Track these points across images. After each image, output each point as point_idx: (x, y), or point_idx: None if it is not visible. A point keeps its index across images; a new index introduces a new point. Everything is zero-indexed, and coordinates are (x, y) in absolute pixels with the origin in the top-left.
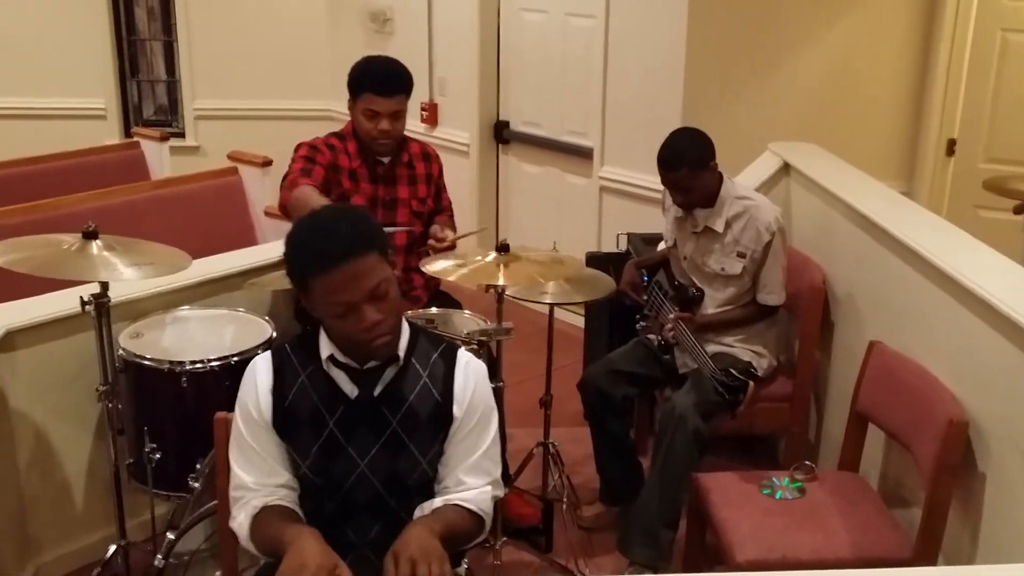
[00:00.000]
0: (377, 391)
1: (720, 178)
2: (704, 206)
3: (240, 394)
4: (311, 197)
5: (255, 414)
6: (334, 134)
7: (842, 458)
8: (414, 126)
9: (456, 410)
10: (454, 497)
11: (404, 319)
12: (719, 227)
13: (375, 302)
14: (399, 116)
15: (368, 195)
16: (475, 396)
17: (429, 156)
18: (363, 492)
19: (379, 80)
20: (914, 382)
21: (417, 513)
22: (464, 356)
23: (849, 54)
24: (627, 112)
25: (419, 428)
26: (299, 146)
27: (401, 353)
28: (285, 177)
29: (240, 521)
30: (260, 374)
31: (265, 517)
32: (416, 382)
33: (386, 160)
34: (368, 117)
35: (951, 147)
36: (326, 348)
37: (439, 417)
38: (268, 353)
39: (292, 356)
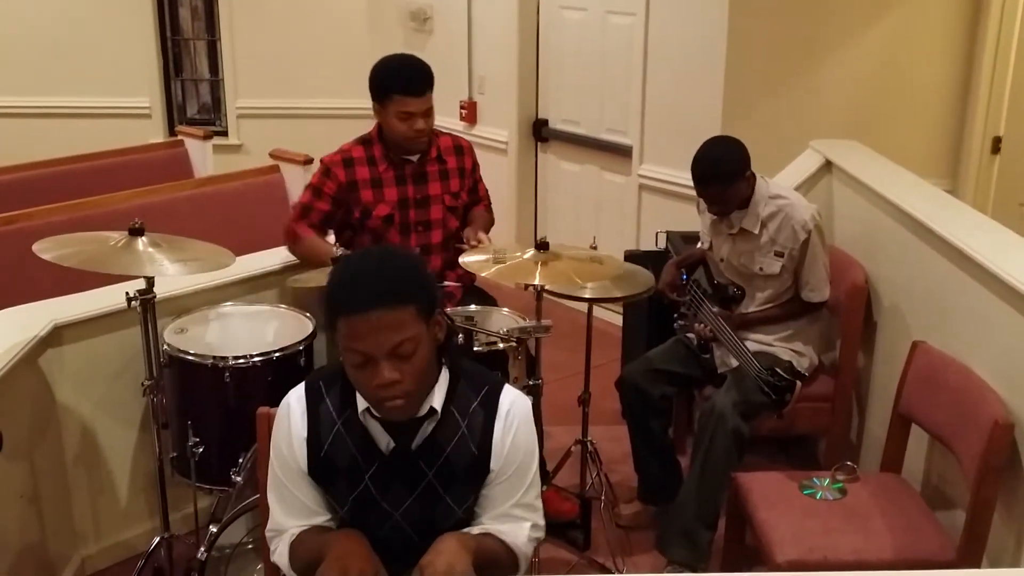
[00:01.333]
0: (415, 445)
1: (754, 180)
2: (738, 208)
3: (274, 435)
4: (318, 248)
5: (290, 460)
6: (360, 139)
7: (884, 459)
8: (453, 124)
9: (493, 463)
10: (491, 529)
11: (445, 367)
12: (754, 228)
13: (395, 360)
14: (431, 112)
15: (395, 199)
16: (513, 446)
17: (462, 149)
18: (396, 539)
19: (408, 80)
20: (958, 383)
21: None
22: (506, 401)
23: (892, 51)
24: (666, 110)
25: (456, 481)
26: (319, 168)
27: (439, 405)
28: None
29: (280, 551)
30: (295, 420)
31: (305, 536)
32: (454, 433)
33: (414, 158)
34: (402, 119)
35: (996, 145)
36: (363, 400)
37: (475, 470)
38: (302, 391)
39: (327, 398)
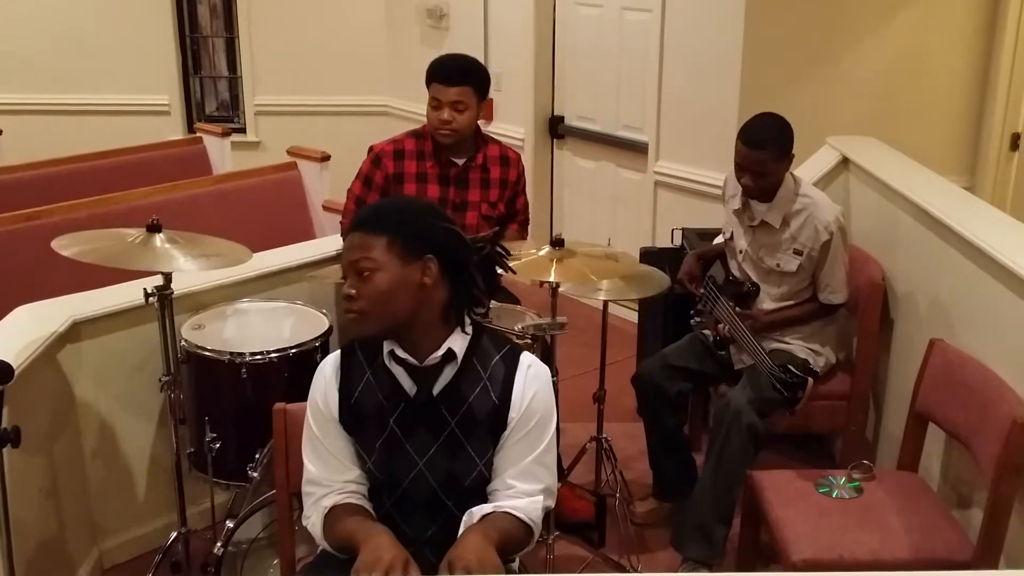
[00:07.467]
0: (436, 390)
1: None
2: (764, 199)
3: (311, 391)
4: None
5: (324, 411)
6: (413, 132)
7: (901, 458)
8: None
9: (512, 414)
10: (505, 504)
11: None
12: (775, 222)
13: (355, 277)
14: (461, 108)
15: (436, 198)
16: (533, 402)
17: (508, 160)
18: (421, 491)
19: (441, 69)
20: (976, 381)
21: (466, 519)
22: (527, 360)
23: (910, 46)
24: (683, 106)
25: (476, 430)
26: (366, 157)
27: (460, 352)
28: (349, 196)
29: (313, 521)
30: (328, 372)
31: (337, 515)
32: (475, 384)
33: (460, 162)
34: (433, 107)
35: (1015, 141)
36: (388, 343)
37: (495, 421)
38: (338, 352)
39: (360, 353)
